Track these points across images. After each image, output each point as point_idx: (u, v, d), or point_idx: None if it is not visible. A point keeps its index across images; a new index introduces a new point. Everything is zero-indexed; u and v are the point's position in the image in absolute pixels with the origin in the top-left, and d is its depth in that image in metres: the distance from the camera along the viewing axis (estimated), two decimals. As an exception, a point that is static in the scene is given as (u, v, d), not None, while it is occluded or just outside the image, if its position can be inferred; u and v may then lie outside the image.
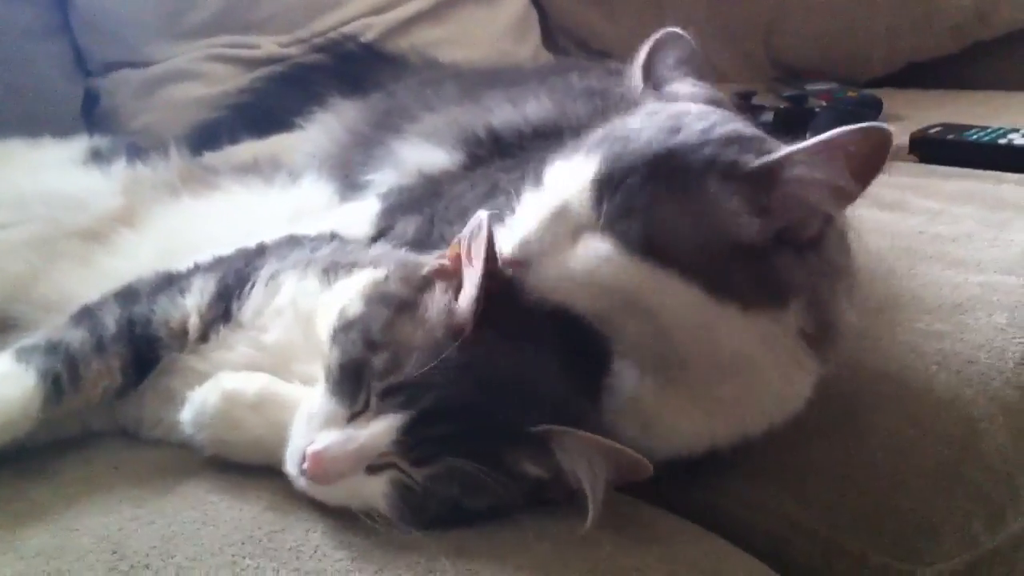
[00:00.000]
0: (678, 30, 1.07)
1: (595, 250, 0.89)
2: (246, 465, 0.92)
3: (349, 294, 0.93)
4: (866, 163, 0.86)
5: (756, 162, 0.88)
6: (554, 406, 0.86)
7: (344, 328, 0.89)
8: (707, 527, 0.97)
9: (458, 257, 0.90)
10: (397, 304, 0.89)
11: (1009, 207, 1.46)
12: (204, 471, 0.92)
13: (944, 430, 1.04)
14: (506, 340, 0.87)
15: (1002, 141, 1.65)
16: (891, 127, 0.87)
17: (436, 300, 0.89)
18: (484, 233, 0.86)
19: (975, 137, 1.68)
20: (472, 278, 0.87)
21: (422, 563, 0.81)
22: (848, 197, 0.88)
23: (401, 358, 0.84)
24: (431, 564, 0.80)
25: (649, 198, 0.88)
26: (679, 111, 0.97)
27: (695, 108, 0.98)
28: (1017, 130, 1.67)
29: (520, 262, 0.91)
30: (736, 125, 0.95)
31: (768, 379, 0.94)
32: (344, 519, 0.85)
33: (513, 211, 1.01)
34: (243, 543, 0.82)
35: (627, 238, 0.88)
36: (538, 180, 0.97)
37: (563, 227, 0.91)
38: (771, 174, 0.88)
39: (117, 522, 0.85)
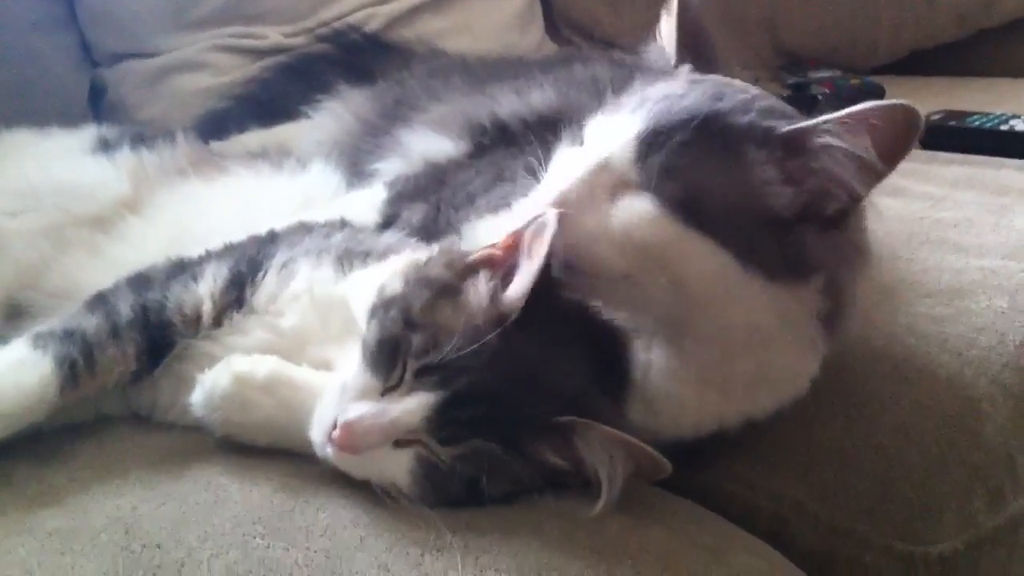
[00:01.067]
0: None
1: (635, 207, 0.90)
2: (256, 447, 0.93)
3: (382, 276, 0.95)
4: (892, 141, 0.86)
5: (786, 127, 0.90)
6: (579, 400, 0.88)
7: (384, 305, 0.91)
8: (710, 508, 0.98)
9: (510, 248, 0.92)
10: (439, 287, 0.91)
11: (1010, 192, 1.48)
12: (215, 453, 0.93)
13: (945, 412, 1.05)
14: (540, 333, 0.89)
15: (1004, 127, 1.67)
16: (916, 108, 0.86)
17: (480, 287, 0.91)
18: (550, 231, 0.87)
19: (977, 123, 1.69)
20: (528, 271, 0.89)
21: (431, 540, 0.82)
22: (874, 174, 0.88)
23: (440, 339, 0.86)
24: (440, 541, 0.82)
25: (691, 159, 0.89)
26: (722, 81, 0.99)
27: (737, 82, 1.00)
28: (1019, 116, 1.69)
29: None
30: (774, 101, 0.97)
31: (781, 356, 0.96)
32: (354, 499, 0.87)
33: (523, 195, 1.03)
34: (253, 523, 0.83)
35: (667, 197, 0.89)
36: (578, 135, 0.98)
37: (603, 181, 0.92)
38: (800, 140, 0.89)
39: (129, 504, 0.86)
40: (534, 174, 1.01)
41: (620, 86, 1.23)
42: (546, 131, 1.29)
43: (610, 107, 0.98)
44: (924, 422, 1.05)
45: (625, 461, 0.86)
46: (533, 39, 2.22)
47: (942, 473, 1.02)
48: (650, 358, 0.96)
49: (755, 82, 1.83)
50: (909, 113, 0.86)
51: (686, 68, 1.03)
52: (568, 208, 0.91)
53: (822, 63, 2.19)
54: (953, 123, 1.71)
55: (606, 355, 0.95)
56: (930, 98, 1.97)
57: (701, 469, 1.02)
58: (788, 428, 1.02)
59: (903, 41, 2.27)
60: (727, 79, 1.00)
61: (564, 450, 0.87)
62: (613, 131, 0.94)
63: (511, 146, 1.31)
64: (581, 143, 0.98)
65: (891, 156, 0.87)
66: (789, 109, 0.97)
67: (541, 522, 0.86)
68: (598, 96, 1.30)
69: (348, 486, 0.88)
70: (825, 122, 0.88)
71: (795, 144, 0.89)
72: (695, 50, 1.05)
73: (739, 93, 0.95)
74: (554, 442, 0.87)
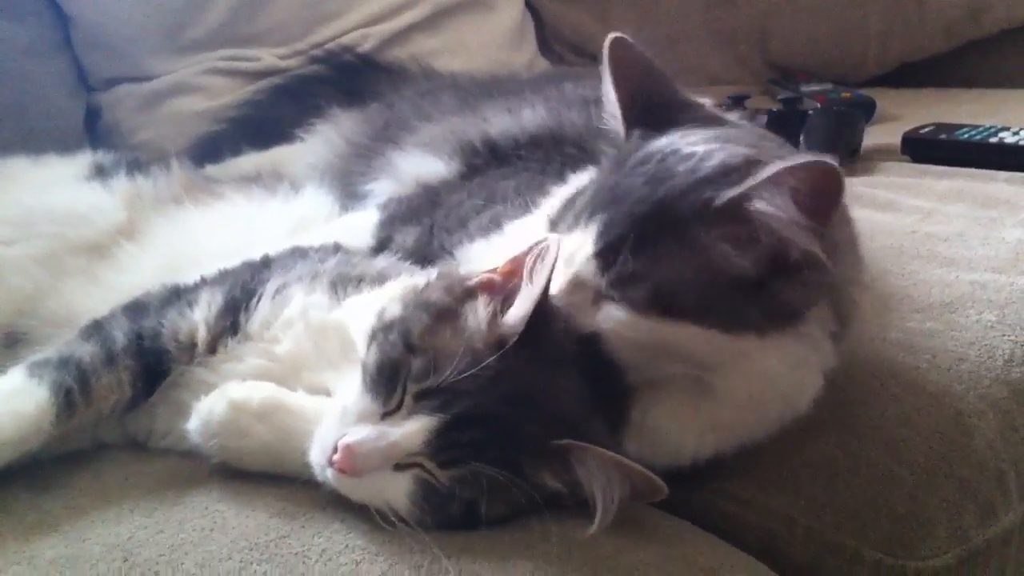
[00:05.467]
0: (621, 36, 1.04)
1: (611, 315, 0.93)
2: (253, 473, 0.94)
3: (378, 304, 0.96)
4: (816, 198, 0.87)
5: (722, 198, 0.90)
6: (577, 423, 0.89)
7: (383, 329, 0.92)
8: (701, 523, 0.99)
9: (509, 273, 0.93)
10: (438, 311, 0.92)
11: (1000, 205, 1.48)
12: (212, 479, 0.94)
13: (935, 427, 1.06)
14: (538, 357, 0.90)
15: (993, 140, 1.67)
16: (832, 160, 0.86)
17: (479, 311, 0.92)
18: (552, 257, 0.89)
19: (966, 136, 1.70)
20: (529, 296, 0.90)
21: (426, 564, 0.83)
22: (809, 231, 0.88)
23: (439, 363, 0.87)
24: (435, 566, 0.83)
25: (645, 262, 0.91)
26: (666, 151, 0.97)
27: (685, 142, 0.98)
28: (1008, 128, 1.69)
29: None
30: (727, 152, 0.96)
31: (788, 388, 0.98)
32: (350, 524, 0.87)
33: (515, 217, 1.04)
34: (250, 549, 0.84)
35: (635, 302, 0.91)
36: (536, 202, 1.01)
37: (582, 295, 0.95)
38: (735, 208, 0.90)
39: (127, 531, 0.87)
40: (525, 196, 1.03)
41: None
42: (538, 151, 1.31)
43: (571, 216, 0.99)
44: (914, 437, 1.05)
45: (622, 484, 0.87)
46: (526, 56, 2.24)
47: (933, 488, 1.02)
48: (653, 395, 0.97)
49: (747, 99, 1.85)
50: (824, 171, 0.86)
51: (636, 135, 1.02)
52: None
53: (812, 76, 2.20)
54: (943, 136, 1.72)
55: (604, 383, 0.96)
56: (920, 110, 1.98)
57: (692, 486, 1.03)
58: (779, 443, 1.02)
59: (892, 53, 2.28)
60: (674, 143, 0.98)
61: (562, 473, 0.88)
62: (576, 247, 0.95)
63: (503, 166, 1.32)
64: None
65: (819, 213, 0.88)
66: (740, 157, 0.95)
67: (536, 544, 0.87)
68: (588, 115, 1.32)
69: (344, 511, 0.89)
70: (752, 188, 0.88)
71: (733, 213, 0.90)
72: (646, 97, 1.04)
73: (683, 162, 0.95)
74: (552, 465, 0.88)
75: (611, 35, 1.03)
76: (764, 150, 0.99)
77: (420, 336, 0.90)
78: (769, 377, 0.95)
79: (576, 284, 0.95)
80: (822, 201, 0.87)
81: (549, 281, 0.90)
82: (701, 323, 0.91)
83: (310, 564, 0.83)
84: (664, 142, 0.99)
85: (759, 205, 0.88)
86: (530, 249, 0.91)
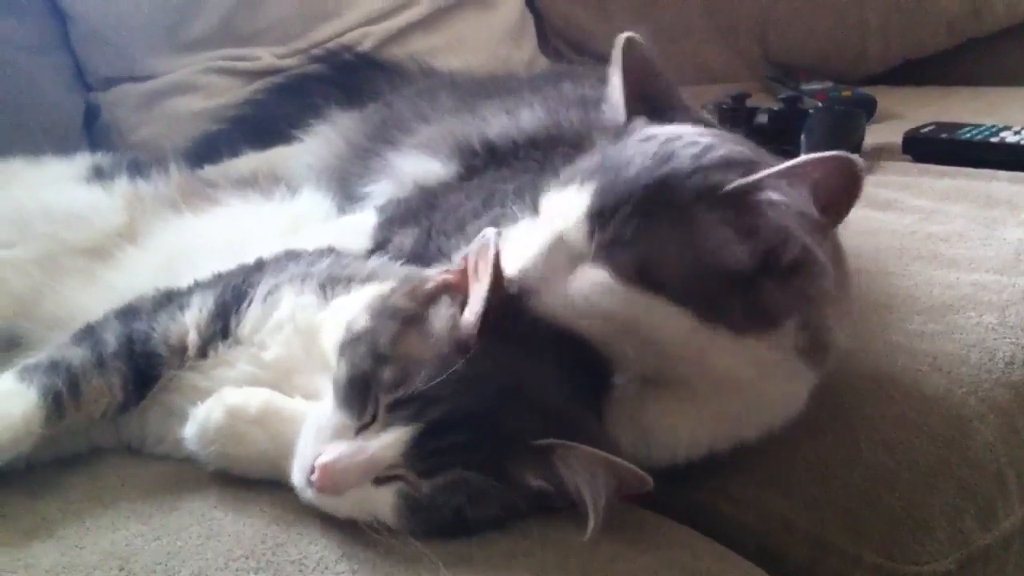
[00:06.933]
0: (633, 36, 1.05)
1: (590, 279, 0.91)
2: (250, 479, 0.94)
3: (354, 308, 0.95)
4: (834, 193, 0.87)
5: (730, 185, 0.89)
6: (557, 420, 0.88)
7: (352, 342, 0.91)
8: (699, 526, 0.99)
9: (464, 272, 0.92)
10: (403, 318, 0.91)
11: (1001, 205, 1.48)
12: (208, 486, 0.94)
13: (935, 429, 1.06)
14: (511, 354, 0.89)
15: (994, 139, 1.67)
16: (858, 158, 0.86)
17: (442, 314, 0.91)
18: (491, 251, 0.88)
19: (967, 135, 1.70)
20: (478, 294, 0.89)
21: (422, 573, 0.82)
22: (819, 227, 0.88)
23: (409, 371, 0.86)
24: (431, 575, 0.82)
25: (639, 229, 0.89)
26: (671, 135, 0.97)
27: (688, 131, 0.98)
28: (1009, 128, 1.69)
29: (522, 289, 0.93)
30: (728, 148, 0.95)
31: (765, 393, 0.96)
32: (346, 532, 0.87)
33: (514, 219, 1.04)
34: (246, 557, 0.84)
35: (620, 267, 0.90)
36: (534, 204, 0.99)
37: (560, 257, 0.93)
38: (744, 197, 0.89)
39: (124, 538, 0.86)
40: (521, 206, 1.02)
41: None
42: (536, 152, 1.31)
43: (563, 176, 0.98)
44: (914, 439, 1.05)
45: (607, 478, 0.86)
46: (525, 53, 2.24)
47: (932, 490, 1.02)
48: (641, 391, 0.96)
49: (747, 98, 1.85)
50: (848, 165, 0.86)
51: (639, 122, 1.02)
52: (531, 284, 0.92)
53: (813, 74, 2.19)
54: (944, 135, 1.72)
55: (583, 368, 0.94)
56: (921, 108, 1.98)
57: (689, 487, 1.03)
58: (778, 446, 1.02)
59: (893, 50, 2.28)
60: (678, 130, 0.98)
61: (546, 473, 0.87)
62: (565, 205, 0.94)
63: (501, 167, 1.31)
64: (537, 213, 0.98)
65: (835, 208, 0.87)
66: (742, 155, 0.95)
67: (533, 551, 0.86)
68: (587, 115, 1.32)
69: (341, 519, 0.88)
70: (767, 176, 0.88)
71: (739, 201, 0.89)
72: (647, 98, 1.04)
73: (689, 147, 0.94)
74: (535, 464, 0.87)
75: (625, 34, 1.04)
76: (762, 156, 0.99)
77: (388, 345, 0.88)
78: (739, 379, 0.94)
79: (557, 243, 0.93)
80: (840, 198, 0.87)
81: (496, 276, 0.88)
82: (678, 303, 0.89)
83: (307, 573, 0.82)
84: (667, 128, 0.99)
85: (771, 195, 0.87)
86: (472, 245, 0.91)
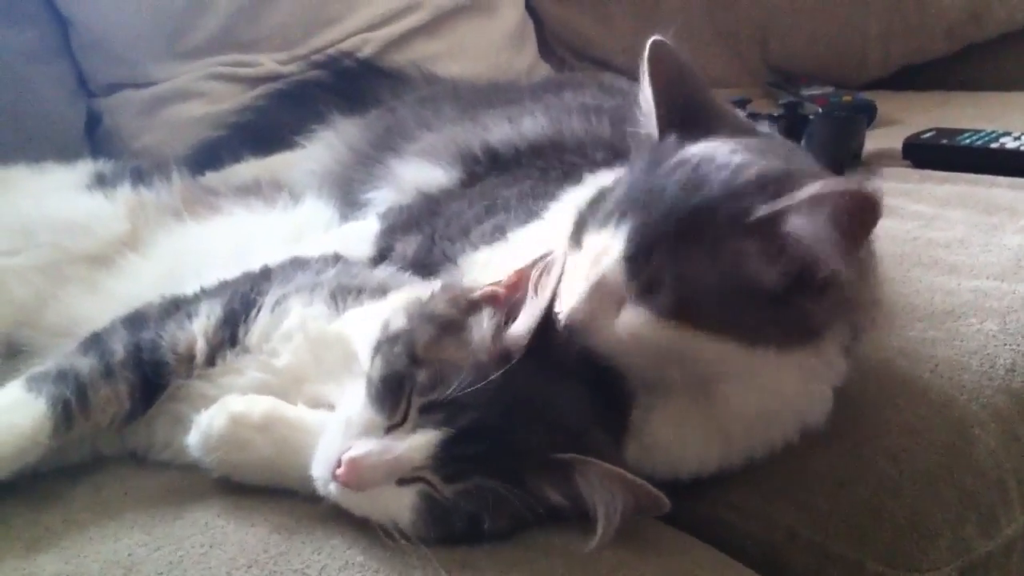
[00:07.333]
0: (660, 40, 1.04)
1: (634, 320, 0.92)
2: (252, 487, 0.94)
3: (385, 312, 0.96)
4: (853, 222, 0.87)
5: (759, 213, 0.90)
6: (580, 436, 0.89)
7: (388, 341, 0.91)
8: (701, 535, 0.99)
9: (514, 286, 0.93)
10: (441, 323, 0.92)
11: (1002, 211, 1.48)
12: (211, 493, 0.94)
13: (937, 436, 1.06)
14: (543, 371, 0.90)
15: (994, 145, 1.67)
16: (876, 187, 0.86)
17: (483, 324, 0.92)
18: (557, 271, 0.89)
19: (968, 141, 1.70)
20: (534, 309, 0.90)
21: (427, 581, 0.82)
22: (843, 250, 0.88)
23: (444, 376, 0.86)
24: (436, 583, 0.82)
25: (675, 268, 0.91)
26: (703, 157, 0.96)
27: (722, 150, 0.97)
28: (1009, 133, 1.69)
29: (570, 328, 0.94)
30: (762, 165, 0.95)
31: (799, 404, 0.98)
32: (349, 540, 0.87)
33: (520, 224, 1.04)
34: (250, 566, 0.84)
35: (660, 307, 0.91)
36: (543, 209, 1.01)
37: (604, 298, 0.94)
38: (770, 224, 0.89)
39: (127, 548, 0.87)
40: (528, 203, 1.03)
41: (616, 117, 1.25)
42: (538, 159, 1.31)
43: (601, 213, 0.98)
44: (915, 447, 1.05)
45: (624, 498, 0.87)
46: (526, 59, 2.24)
47: (934, 498, 1.02)
48: (654, 404, 0.97)
49: (748, 104, 1.85)
50: (866, 197, 0.86)
51: (672, 140, 1.01)
52: (578, 323, 0.93)
53: (814, 80, 2.19)
54: (944, 141, 1.72)
55: (608, 389, 0.95)
56: (921, 114, 1.98)
57: (693, 496, 1.03)
58: (781, 455, 1.01)
59: (893, 56, 2.28)
60: (711, 150, 0.98)
61: (564, 487, 0.88)
62: (604, 248, 0.95)
63: (503, 174, 1.32)
64: (580, 246, 0.99)
65: (854, 236, 0.88)
66: (775, 171, 0.95)
67: (537, 560, 0.86)
68: (588, 123, 1.32)
69: (344, 527, 0.88)
70: (791, 206, 0.88)
71: (768, 228, 0.89)
72: (681, 107, 1.03)
73: (720, 171, 0.94)
74: (555, 479, 0.88)
75: (652, 38, 1.03)
76: (798, 164, 0.99)
77: (425, 349, 0.89)
78: (781, 393, 0.95)
79: (599, 285, 0.94)
80: (859, 226, 0.88)
81: (555, 294, 0.90)
82: (722, 333, 0.91)
83: (310, 581, 0.83)
84: (700, 148, 0.98)
85: (796, 222, 0.88)
86: (535, 262, 0.91)
